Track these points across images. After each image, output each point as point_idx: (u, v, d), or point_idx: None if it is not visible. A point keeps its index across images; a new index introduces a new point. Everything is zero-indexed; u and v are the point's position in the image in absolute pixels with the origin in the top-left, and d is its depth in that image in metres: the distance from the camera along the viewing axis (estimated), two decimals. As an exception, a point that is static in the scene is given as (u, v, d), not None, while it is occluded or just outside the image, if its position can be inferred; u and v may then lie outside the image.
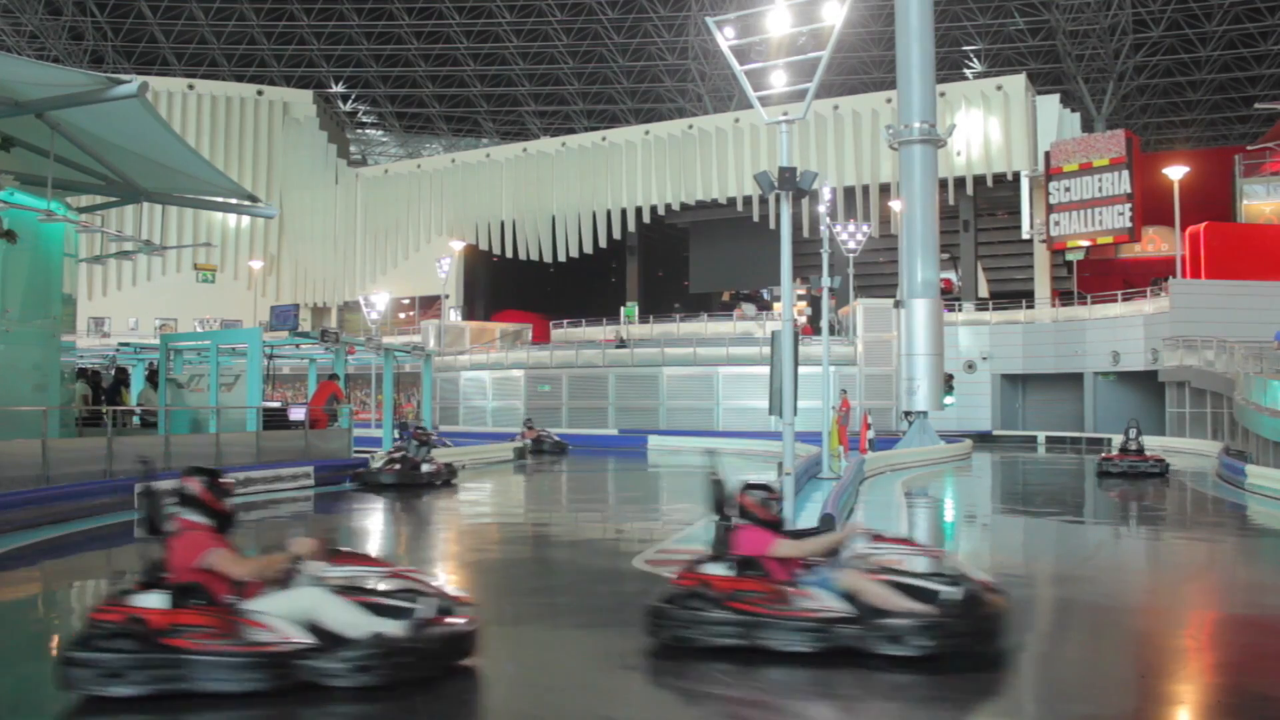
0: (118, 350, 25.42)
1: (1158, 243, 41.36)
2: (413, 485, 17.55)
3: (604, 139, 50.36)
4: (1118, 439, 22.39)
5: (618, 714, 5.52)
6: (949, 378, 31.07)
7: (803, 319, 40.25)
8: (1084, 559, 11.82)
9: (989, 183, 42.27)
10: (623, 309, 48.02)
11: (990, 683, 6.09)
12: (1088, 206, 39.22)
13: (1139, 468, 20.64)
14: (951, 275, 44.24)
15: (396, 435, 25.36)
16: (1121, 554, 12.24)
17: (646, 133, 49.16)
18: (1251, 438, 22.29)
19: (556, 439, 30.02)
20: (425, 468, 17.91)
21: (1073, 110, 44.10)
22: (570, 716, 5.49)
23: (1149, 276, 37.68)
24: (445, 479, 18.19)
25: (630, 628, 7.49)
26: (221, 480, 5.82)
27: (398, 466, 17.73)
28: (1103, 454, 22.51)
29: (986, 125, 41.85)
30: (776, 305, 46.43)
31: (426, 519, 15.31)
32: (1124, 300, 36.05)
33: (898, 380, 32.49)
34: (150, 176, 15.58)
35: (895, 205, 36.82)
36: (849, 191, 43.65)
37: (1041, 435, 36.19)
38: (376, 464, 18.05)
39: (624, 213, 49.02)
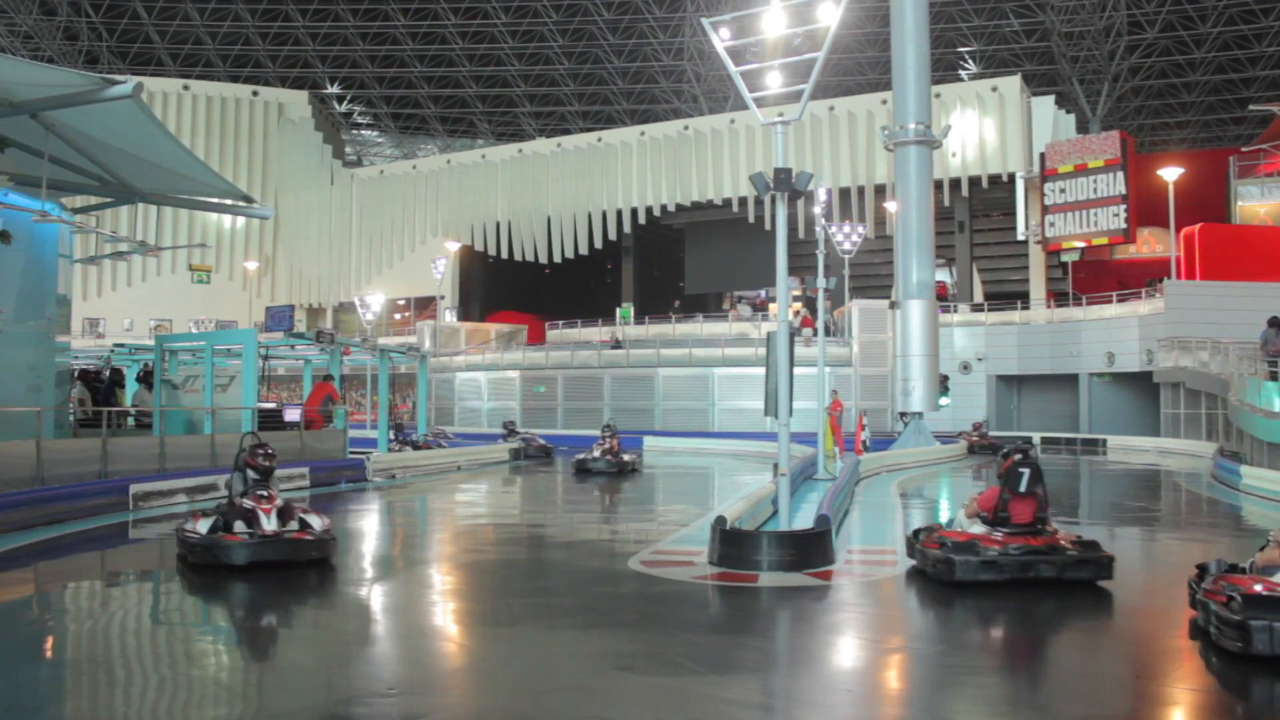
0: (112, 351, 25.43)
1: (1152, 244, 41.45)
2: (285, 563, 9.52)
3: (599, 140, 50.37)
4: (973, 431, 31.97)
5: (612, 714, 5.52)
6: (944, 378, 31.12)
7: (798, 318, 40.23)
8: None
9: (984, 184, 42.36)
10: (618, 310, 48.02)
11: (988, 682, 6.10)
12: (1083, 208, 39.30)
13: (985, 450, 29.06)
14: (946, 278, 44.28)
15: (391, 436, 25.39)
16: (1116, 555, 12.23)
17: (642, 134, 49.17)
18: (1246, 439, 22.33)
19: (611, 456, 22.26)
20: (315, 522, 10.05)
21: (1068, 112, 44.22)
22: (566, 717, 5.49)
23: (1144, 278, 37.76)
24: (328, 552, 9.98)
25: (626, 628, 7.51)
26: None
27: (270, 530, 9.68)
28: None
29: (982, 126, 41.92)
30: (772, 306, 46.43)
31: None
32: (1119, 301, 36.09)
33: (893, 381, 32.53)
34: (145, 177, 15.57)
35: (891, 206, 36.86)
36: (844, 193, 43.69)
37: (1037, 436, 36.15)
38: (241, 531, 9.64)
39: (619, 214, 49.02)
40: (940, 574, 8.67)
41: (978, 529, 9.07)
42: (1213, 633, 6.50)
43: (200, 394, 19.82)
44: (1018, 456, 9.38)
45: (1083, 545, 8.90)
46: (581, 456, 22.73)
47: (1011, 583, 8.46)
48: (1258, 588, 6.35)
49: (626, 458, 22.60)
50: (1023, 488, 9.14)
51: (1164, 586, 9.89)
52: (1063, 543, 8.89)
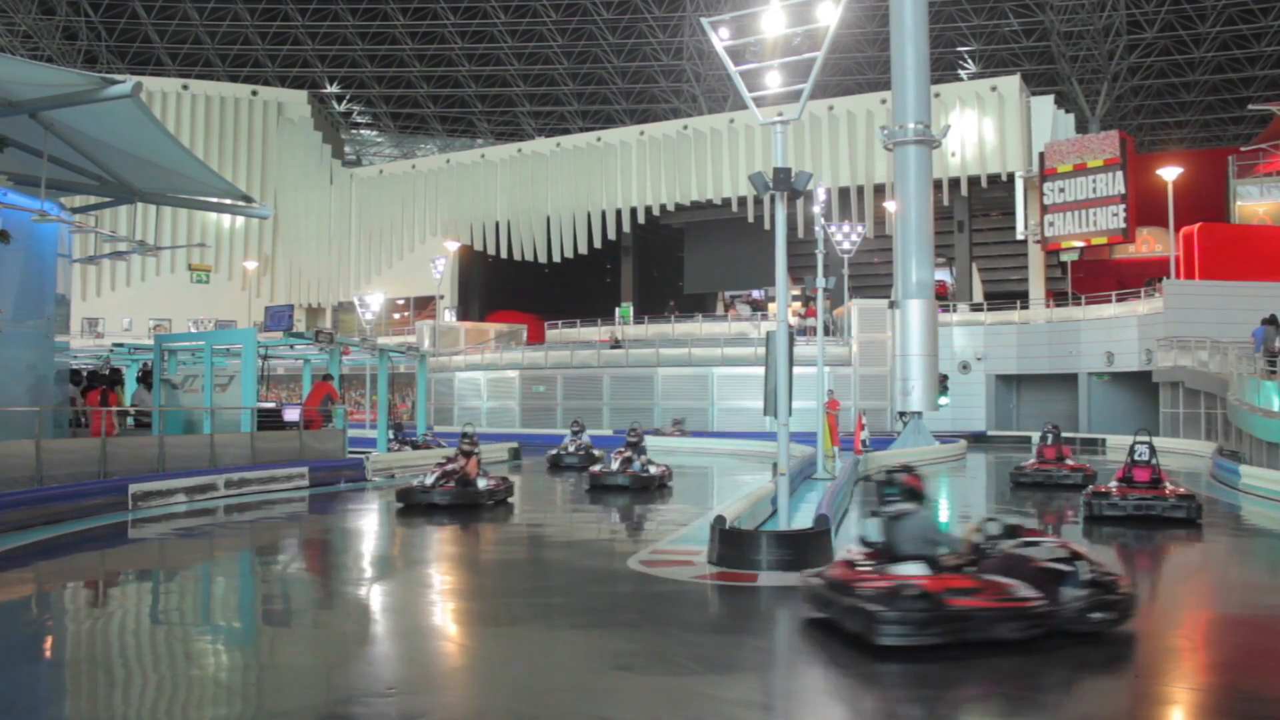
0: (111, 351, 25.39)
1: (1151, 243, 41.46)
2: None
3: (599, 140, 50.36)
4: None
5: (612, 714, 5.52)
6: (944, 378, 31.07)
7: (797, 318, 40.26)
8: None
9: (983, 183, 42.35)
10: (617, 310, 48.03)
11: (990, 682, 6.10)
12: (1082, 207, 39.30)
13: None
14: (946, 278, 44.31)
15: (391, 435, 25.35)
16: (1115, 554, 12.25)
17: (641, 133, 49.16)
18: (1245, 438, 22.34)
19: (457, 484, 14.98)
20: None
21: (1067, 111, 44.21)
22: (565, 717, 5.49)
23: (1143, 277, 37.75)
24: None
25: (625, 628, 7.51)
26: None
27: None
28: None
29: (981, 126, 41.92)
30: (771, 305, 46.44)
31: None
32: (1118, 301, 36.10)
33: (892, 381, 32.51)
34: (144, 177, 15.56)
35: (890, 206, 36.86)
36: (844, 192, 43.69)
37: (1036, 436, 36.13)
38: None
39: (619, 213, 49.02)
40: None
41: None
42: (1083, 512, 13.98)
43: (199, 394, 19.80)
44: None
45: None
46: (411, 485, 15.34)
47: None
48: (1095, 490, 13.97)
49: (480, 485, 15.28)
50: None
51: (1163, 585, 9.90)
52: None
